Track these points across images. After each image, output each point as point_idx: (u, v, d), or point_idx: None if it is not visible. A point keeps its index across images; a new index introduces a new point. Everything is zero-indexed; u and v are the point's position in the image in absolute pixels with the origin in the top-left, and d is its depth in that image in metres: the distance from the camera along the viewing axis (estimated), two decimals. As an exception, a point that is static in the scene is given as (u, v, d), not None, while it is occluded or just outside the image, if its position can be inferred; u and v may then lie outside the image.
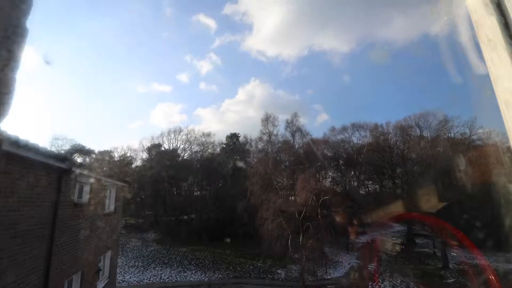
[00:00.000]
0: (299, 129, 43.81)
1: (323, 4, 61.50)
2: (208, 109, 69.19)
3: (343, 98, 67.72)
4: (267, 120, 43.75)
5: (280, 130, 44.91)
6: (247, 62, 72.18)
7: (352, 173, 48.20)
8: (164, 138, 49.85)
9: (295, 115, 43.85)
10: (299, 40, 68.69)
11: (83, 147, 41.26)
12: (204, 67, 73.56)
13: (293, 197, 30.85)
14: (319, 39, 65.75)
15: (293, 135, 44.52)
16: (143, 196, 42.64)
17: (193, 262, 29.34)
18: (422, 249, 31.62)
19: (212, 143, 50.20)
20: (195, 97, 75.09)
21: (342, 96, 67.07)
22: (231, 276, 26.26)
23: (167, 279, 25.48)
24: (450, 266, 25.80)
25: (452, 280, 23.52)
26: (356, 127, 48.43)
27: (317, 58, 68.45)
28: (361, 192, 46.98)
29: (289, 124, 44.00)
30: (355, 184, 47.39)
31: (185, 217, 41.78)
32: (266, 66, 72.76)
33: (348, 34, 63.86)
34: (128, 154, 49.37)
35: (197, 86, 73.22)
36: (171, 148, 49.33)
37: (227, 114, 68.81)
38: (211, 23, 73.08)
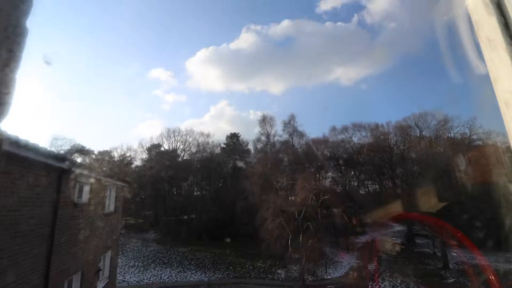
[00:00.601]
0: (296, 130, 43.97)
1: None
2: (187, 122, 74.38)
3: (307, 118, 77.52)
4: (264, 121, 43.79)
5: (278, 131, 44.98)
6: (201, 95, 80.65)
7: (352, 173, 48.15)
8: (164, 139, 49.88)
9: (292, 117, 43.94)
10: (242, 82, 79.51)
11: (83, 147, 41.21)
12: (171, 99, 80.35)
13: (293, 197, 30.85)
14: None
15: (291, 136, 44.60)
16: (143, 196, 42.60)
17: (193, 262, 29.35)
18: (422, 249, 31.65)
19: (211, 143, 50.23)
20: (174, 116, 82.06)
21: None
22: (231, 276, 26.28)
23: (167, 279, 25.49)
24: (450, 266, 25.81)
25: (452, 280, 23.55)
26: (357, 127, 48.37)
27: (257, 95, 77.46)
28: (361, 192, 46.95)
29: (286, 125, 44.10)
30: (355, 184, 47.38)
31: (185, 217, 41.76)
32: (221, 96, 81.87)
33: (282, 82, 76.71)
34: (128, 154, 49.35)
35: (177, 111, 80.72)
36: (170, 148, 49.30)
37: (202, 127, 77.82)
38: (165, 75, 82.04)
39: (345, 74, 74.43)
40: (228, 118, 74.01)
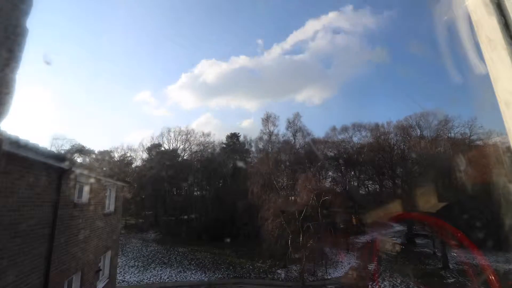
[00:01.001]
0: (300, 129, 43.94)
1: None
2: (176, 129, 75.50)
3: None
4: (267, 119, 43.66)
5: (281, 130, 45.03)
6: (185, 112, 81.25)
7: (352, 173, 48.16)
8: (164, 138, 49.91)
9: (297, 115, 43.96)
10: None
11: (83, 147, 41.28)
12: (159, 113, 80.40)
13: (293, 197, 30.85)
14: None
15: (294, 135, 44.56)
16: (143, 196, 42.62)
17: (193, 262, 29.34)
18: (422, 249, 31.61)
19: (212, 143, 50.24)
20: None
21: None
22: (231, 276, 26.27)
23: (167, 279, 25.49)
24: (450, 266, 25.78)
25: (452, 280, 23.52)
26: (357, 127, 48.41)
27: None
28: (361, 192, 46.95)
29: (290, 124, 44.08)
30: (355, 184, 47.38)
31: (185, 217, 41.76)
32: (205, 110, 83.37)
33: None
34: (128, 154, 49.38)
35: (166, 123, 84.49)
36: (171, 148, 49.33)
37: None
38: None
39: (317, 91, 77.86)
40: (215, 127, 76.03)
